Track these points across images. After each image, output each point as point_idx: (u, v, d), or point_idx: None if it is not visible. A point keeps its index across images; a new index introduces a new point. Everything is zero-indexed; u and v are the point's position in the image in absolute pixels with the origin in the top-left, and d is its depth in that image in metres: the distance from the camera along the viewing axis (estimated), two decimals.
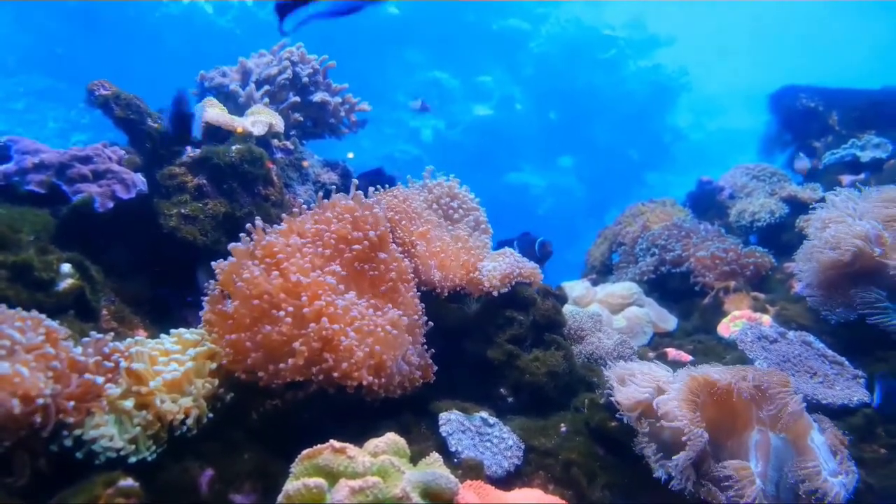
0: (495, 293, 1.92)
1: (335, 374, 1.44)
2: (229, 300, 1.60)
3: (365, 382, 1.46)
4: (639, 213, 3.78)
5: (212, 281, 1.61)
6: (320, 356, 1.47)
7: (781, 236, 3.23)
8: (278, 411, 1.54)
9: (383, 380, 1.51)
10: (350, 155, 2.85)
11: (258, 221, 1.67)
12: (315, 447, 1.24)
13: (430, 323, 1.76)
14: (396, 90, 14.02)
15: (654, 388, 1.54)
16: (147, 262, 2.02)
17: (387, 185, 2.12)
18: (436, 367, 1.77)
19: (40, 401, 1.17)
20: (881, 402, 1.90)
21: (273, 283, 1.51)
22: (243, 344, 1.48)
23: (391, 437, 1.33)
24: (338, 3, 2.01)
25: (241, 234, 1.65)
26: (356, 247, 1.68)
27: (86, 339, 1.36)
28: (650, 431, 1.49)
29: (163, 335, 1.53)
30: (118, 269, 1.91)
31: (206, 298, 1.62)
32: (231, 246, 1.62)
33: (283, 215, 1.77)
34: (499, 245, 2.58)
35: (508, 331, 1.94)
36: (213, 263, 1.61)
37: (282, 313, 1.47)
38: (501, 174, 15.06)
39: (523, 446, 1.59)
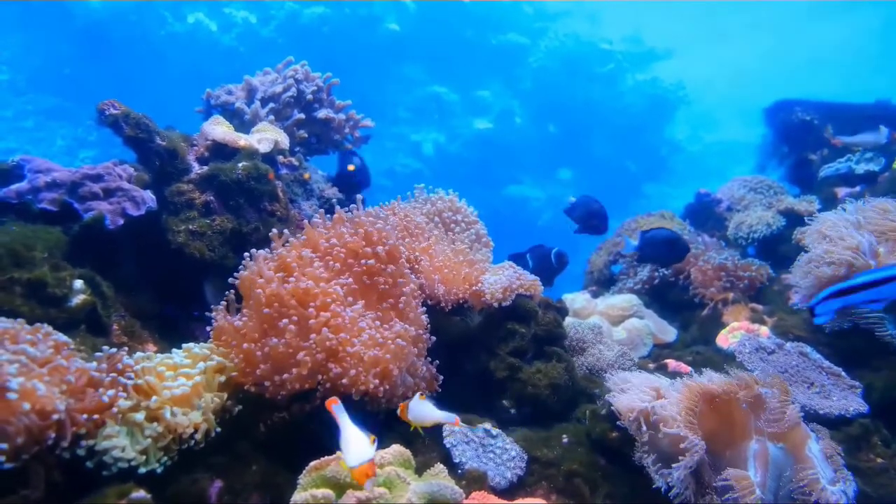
0: (497, 305, 1.95)
1: (342, 382, 1.47)
2: (237, 313, 1.64)
3: (371, 387, 1.49)
4: (638, 225, 3.82)
5: (227, 292, 1.66)
6: (325, 366, 1.50)
7: (779, 248, 3.26)
8: (285, 423, 1.56)
9: (388, 387, 1.54)
10: (351, 168, 2.88)
11: (274, 231, 1.75)
12: (322, 459, 1.27)
13: (433, 338, 1.79)
14: (397, 105, 14.15)
15: (652, 396, 1.57)
16: (156, 278, 2.06)
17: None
18: (441, 378, 1.80)
19: (55, 416, 1.20)
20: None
21: (286, 289, 1.55)
22: (254, 355, 1.51)
23: (397, 449, 1.36)
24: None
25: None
26: (366, 261, 1.72)
27: (98, 353, 1.39)
28: (649, 440, 1.51)
29: (174, 350, 1.56)
30: (128, 284, 1.94)
31: (214, 313, 1.66)
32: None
33: (305, 223, 1.82)
34: (513, 260, 2.62)
35: (510, 343, 1.96)
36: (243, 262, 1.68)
37: (286, 322, 1.50)
38: (501, 187, 15.12)
39: (526, 457, 1.62)
